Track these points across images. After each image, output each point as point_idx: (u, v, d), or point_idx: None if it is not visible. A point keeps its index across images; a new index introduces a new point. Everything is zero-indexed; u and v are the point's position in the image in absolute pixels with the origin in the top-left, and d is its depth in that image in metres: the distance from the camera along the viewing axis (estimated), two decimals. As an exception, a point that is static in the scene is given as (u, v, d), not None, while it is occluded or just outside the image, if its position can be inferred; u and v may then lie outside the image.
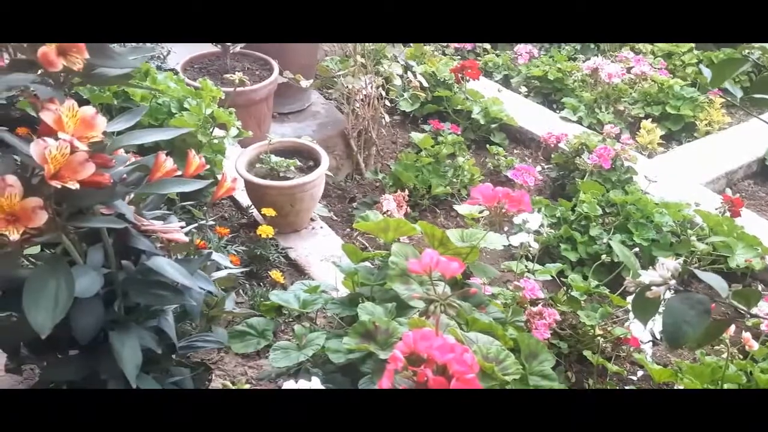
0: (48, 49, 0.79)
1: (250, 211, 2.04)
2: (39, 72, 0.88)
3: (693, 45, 3.88)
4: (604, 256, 2.18)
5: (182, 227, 1.06)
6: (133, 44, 1.37)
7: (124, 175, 0.98)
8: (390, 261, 1.23)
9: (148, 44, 1.95)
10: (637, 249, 2.25)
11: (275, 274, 1.70)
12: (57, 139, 0.77)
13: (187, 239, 1.05)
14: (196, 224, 1.14)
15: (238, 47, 2.60)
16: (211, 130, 1.88)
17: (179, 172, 1.07)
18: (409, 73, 2.82)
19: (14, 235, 0.76)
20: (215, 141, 1.94)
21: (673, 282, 0.99)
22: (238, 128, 1.92)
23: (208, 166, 1.74)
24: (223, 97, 1.99)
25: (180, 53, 2.69)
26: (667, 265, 1.05)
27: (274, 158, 1.92)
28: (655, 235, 2.41)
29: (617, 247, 1.02)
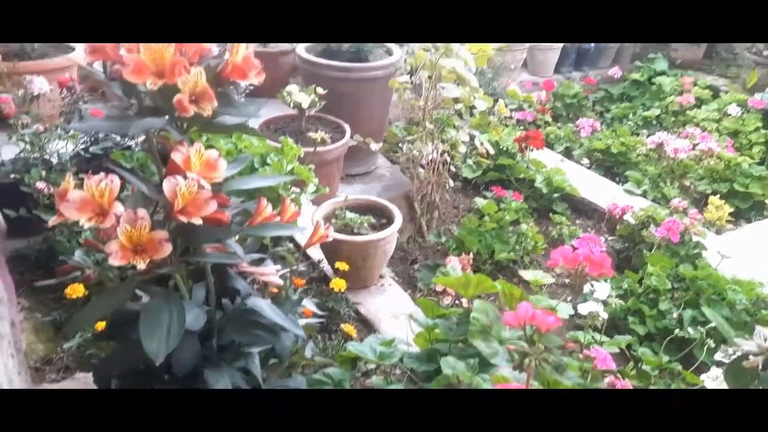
0: (183, 97, 0.87)
1: (321, 265, 2.08)
2: (166, 117, 0.96)
3: (760, 124, 3.85)
4: (677, 331, 2.12)
5: (277, 270, 1.10)
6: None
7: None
8: (472, 317, 1.24)
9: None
10: (709, 326, 2.18)
11: (347, 328, 1.72)
12: (185, 177, 0.84)
13: (281, 282, 1.09)
14: (288, 269, 1.19)
15: (313, 111, 2.72)
16: (290, 185, 1.95)
17: (277, 218, 1.13)
18: (475, 140, 2.88)
19: (141, 265, 0.81)
20: (293, 195, 2.01)
21: (771, 351, 0.96)
22: (315, 185, 2.00)
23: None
24: (302, 155, 2.08)
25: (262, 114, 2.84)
26: (765, 333, 1.03)
27: (349, 214, 1.97)
28: (728, 313, 2.33)
29: (710, 312, 1.01)
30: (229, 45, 0.94)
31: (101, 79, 0.93)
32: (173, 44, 0.88)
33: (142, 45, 0.87)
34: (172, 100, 0.89)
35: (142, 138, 1.30)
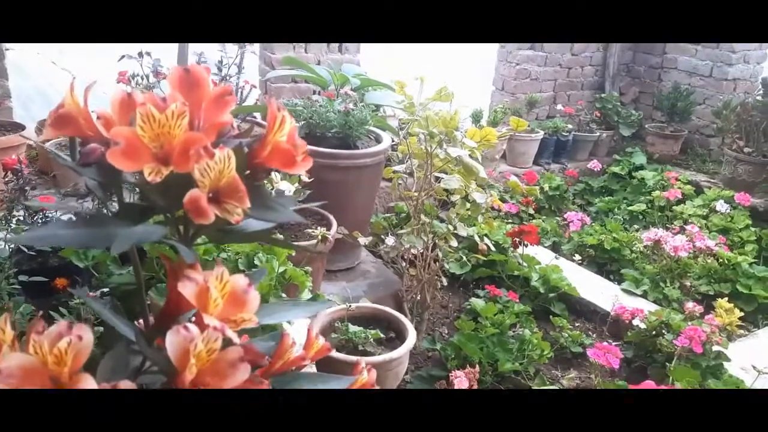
0: (201, 194, 0.55)
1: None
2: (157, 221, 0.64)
3: (749, 221, 3.76)
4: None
5: None
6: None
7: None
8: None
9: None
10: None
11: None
12: (201, 325, 0.51)
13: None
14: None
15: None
16: (281, 291, 1.62)
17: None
18: (476, 236, 2.62)
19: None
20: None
21: None
22: (310, 291, 1.67)
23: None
24: (294, 254, 1.76)
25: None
26: None
27: (352, 327, 1.64)
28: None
29: None
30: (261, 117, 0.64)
31: (67, 164, 0.61)
32: (186, 114, 0.57)
33: (138, 114, 0.56)
34: (178, 197, 0.57)
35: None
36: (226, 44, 2.76)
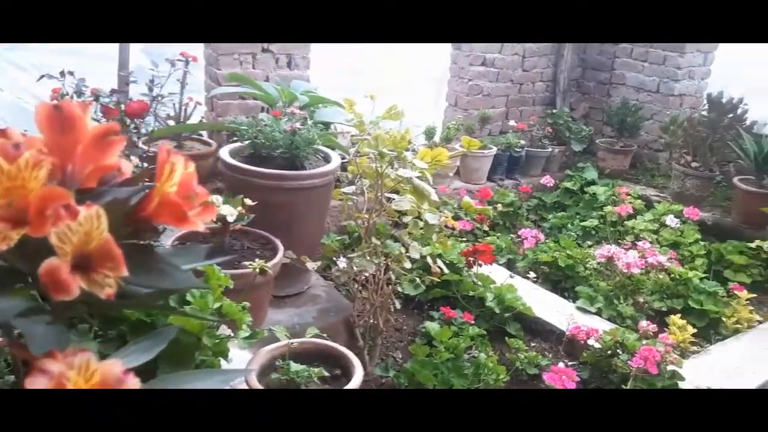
0: (58, 264, 0.45)
1: None
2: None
3: (698, 236, 3.80)
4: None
5: None
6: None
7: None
8: None
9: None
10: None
11: None
12: None
13: None
14: None
15: (238, 225, 2.30)
16: (216, 328, 1.50)
17: None
18: (428, 258, 2.54)
19: None
20: (217, 341, 1.55)
21: None
22: (249, 327, 1.55)
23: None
24: (231, 286, 1.64)
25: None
26: None
27: (294, 366, 1.53)
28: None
29: None
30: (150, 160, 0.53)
31: None
32: (47, 161, 0.47)
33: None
34: (38, 265, 0.46)
35: None
36: (159, 63, 2.63)
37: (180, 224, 0.51)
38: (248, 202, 2.28)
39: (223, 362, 1.66)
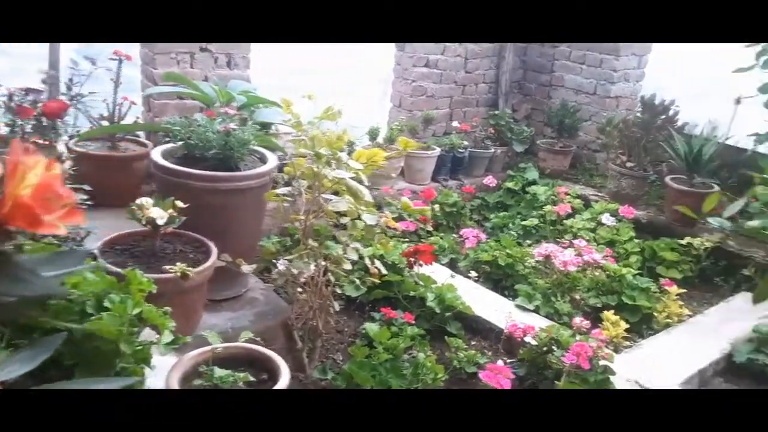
0: None
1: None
2: None
3: (633, 234, 3.91)
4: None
5: None
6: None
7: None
8: None
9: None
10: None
11: None
12: None
13: None
14: None
15: (170, 228, 2.24)
16: (137, 335, 1.45)
17: None
18: (365, 259, 2.53)
19: None
20: (139, 347, 1.50)
21: None
22: (173, 333, 1.51)
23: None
24: (154, 291, 1.59)
25: (101, 230, 2.29)
26: None
27: (218, 371, 1.50)
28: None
29: None
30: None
31: None
32: None
33: None
34: None
35: None
36: (80, 60, 2.54)
37: (34, 228, 0.49)
38: (179, 204, 2.22)
39: (148, 371, 1.61)
